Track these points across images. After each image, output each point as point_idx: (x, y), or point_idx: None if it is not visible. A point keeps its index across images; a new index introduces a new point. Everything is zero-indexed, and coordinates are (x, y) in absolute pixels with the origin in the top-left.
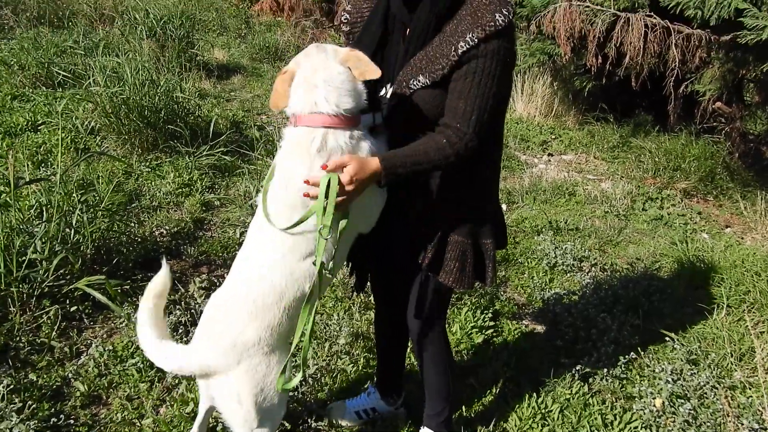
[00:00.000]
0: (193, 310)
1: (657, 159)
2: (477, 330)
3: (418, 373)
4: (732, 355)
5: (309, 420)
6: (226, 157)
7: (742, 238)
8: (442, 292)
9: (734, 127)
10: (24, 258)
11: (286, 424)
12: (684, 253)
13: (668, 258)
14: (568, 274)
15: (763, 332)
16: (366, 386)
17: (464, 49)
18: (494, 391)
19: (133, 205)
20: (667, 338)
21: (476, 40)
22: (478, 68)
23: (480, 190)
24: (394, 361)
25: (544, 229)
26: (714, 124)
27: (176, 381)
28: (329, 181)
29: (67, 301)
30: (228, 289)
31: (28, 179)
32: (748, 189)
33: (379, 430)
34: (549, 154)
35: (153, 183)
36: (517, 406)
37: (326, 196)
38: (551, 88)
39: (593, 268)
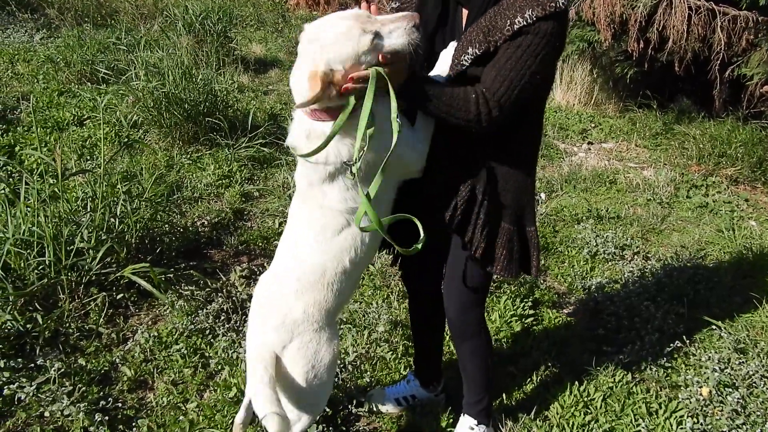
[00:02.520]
0: (234, 298)
1: (702, 145)
2: (517, 318)
3: (458, 361)
4: None
5: (349, 406)
6: (264, 149)
7: None
8: (484, 281)
9: None
10: (72, 247)
11: (327, 410)
12: (731, 240)
13: (714, 246)
14: (610, 263)
15: None
16: (405, 374)
17: (521, 25)
18: (535, 379)
19: (174, 197)
20: (714, 327)
21: (534, 18)
22: (524, 43)
23: (524, 173)
24: (431, 349)
25: (584, 218)
26: (762, 109)
27: (219, 367)
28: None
29: (114, 289)
30: (273, 270)
31: (74, 171)
32: None
33: (418, 417)
34: (589, 143)
35: (194, 175)
36: (558, 394)
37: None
38: (591, 75)
39: (635, 257)
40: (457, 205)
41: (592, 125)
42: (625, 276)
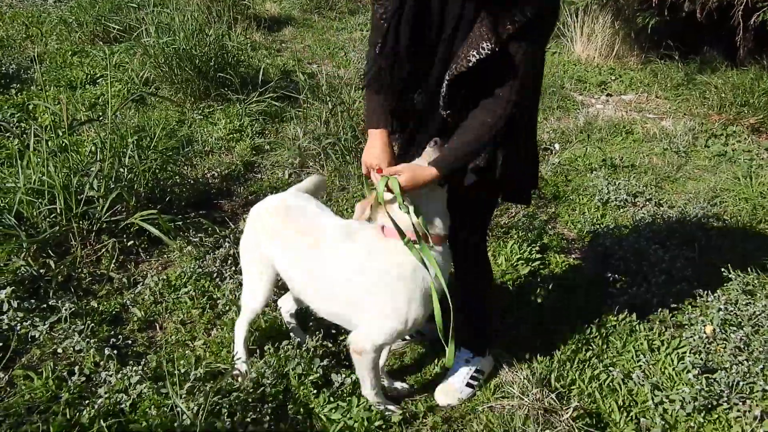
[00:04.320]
0: None
1: (723, 94)
2: (523, 262)
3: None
4: None
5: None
6: (276, 103)
7: None
8: (489, 208)
9: None
10: (82, 196)
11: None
12: (747, 187)
13: (730, 193)
14: (621, 210)
15: None
16: None
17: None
18: (538, 319)
19: (186, 150)
20: (723, 270)
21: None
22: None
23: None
24: None
25: (598, 167)
26: None
27: (226, 308)
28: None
29: (125, 236)
30: None
31: (81, 121)
32: None
33: (424, 350)
34: (607, 95)
35: (205, 129)
36: (561, 332)
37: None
38: (612, 27)
39: (648, 203)
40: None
41: (612, 78)
42: (636, 222)
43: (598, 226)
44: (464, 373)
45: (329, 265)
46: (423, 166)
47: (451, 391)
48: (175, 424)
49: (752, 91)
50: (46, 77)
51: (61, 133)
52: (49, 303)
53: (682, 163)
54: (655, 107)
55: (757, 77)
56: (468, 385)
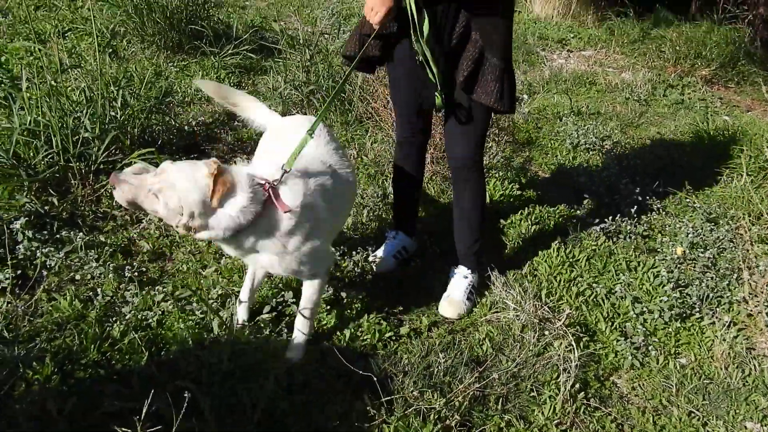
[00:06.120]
0: None
1: (678, 48)
2: (505, 198)
3: (456, 209)
4: (750, 215)
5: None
6: (252, 55)
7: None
8: (486, 118)
9: (757, 13)
10: (77, 137)
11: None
12: (704, 132)
13: (689, 135)
14: (591, 152)
15: None
16: (386, 234)
17: None
18: (523, 245)
19: (167, 100)
20: (688, 201)
21: None
22: None
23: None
24: (414, 201)
25: (565, 115)
26: (736, 11)
27: None
28: None
29: None
30: None
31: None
32: None
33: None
34: (568, 50)
35: (182, 82)
36: (545, 256)
37: None
38: None
39: (615, 146)
40: (467, 64)
41: (571, 35)
42: (606, 162)
43: (570, 167)
44: (464, 288)
45: None
46: None
47: (456, 303)
48: (205, 335)
49: (705, 43)
50: (11, 31)
51: (50, 77)
52: (62, 234)
53: (643, 111)
54: (614, 62)
55: (708, 30)
56: (468, 299)
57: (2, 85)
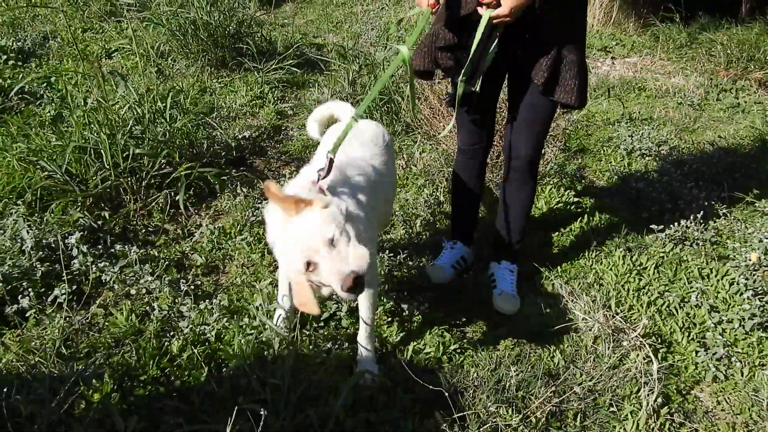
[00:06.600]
0: None
1: (729, 51)
2: (562, 205)
3: (508, 209)
4: None
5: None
6: (296, 69)
7: None
8: (551, 116)
9: None
10: (127, 153)
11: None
12: (766, 134)
13: (749, 138)
14: (647, 158)
15: None
16: (443, 244)
17: None
18: (586, 254)
19: (213, 115)
20: (756, 206)
21: None
22: None
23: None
24: (474, 210)
25: (617, 121)
26: None
27: None
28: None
29: (173, 190)
30: None
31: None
32: None
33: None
34: (612, 58)
35: (227, 97)
36: (611, 264)
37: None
38: None
39: (672, 151)
40: (547, 64)
41: (614, 42)
42: (664, 167)
43: (626, 173)
44: (513, 283)
45: None
46: None
47: (510, 298)
48: (265, 351)
49: (758, 46)
50: (61, 52)
51: (98, 95)
52: (116, 249)
53: (697, 116)
54: (661, 67)
55: (761, 32)
56: (517, 293)
57: (54, 104)
